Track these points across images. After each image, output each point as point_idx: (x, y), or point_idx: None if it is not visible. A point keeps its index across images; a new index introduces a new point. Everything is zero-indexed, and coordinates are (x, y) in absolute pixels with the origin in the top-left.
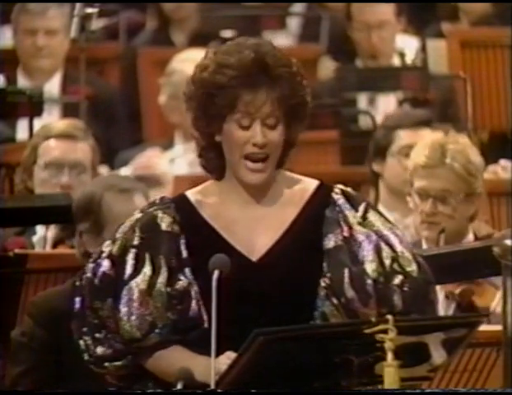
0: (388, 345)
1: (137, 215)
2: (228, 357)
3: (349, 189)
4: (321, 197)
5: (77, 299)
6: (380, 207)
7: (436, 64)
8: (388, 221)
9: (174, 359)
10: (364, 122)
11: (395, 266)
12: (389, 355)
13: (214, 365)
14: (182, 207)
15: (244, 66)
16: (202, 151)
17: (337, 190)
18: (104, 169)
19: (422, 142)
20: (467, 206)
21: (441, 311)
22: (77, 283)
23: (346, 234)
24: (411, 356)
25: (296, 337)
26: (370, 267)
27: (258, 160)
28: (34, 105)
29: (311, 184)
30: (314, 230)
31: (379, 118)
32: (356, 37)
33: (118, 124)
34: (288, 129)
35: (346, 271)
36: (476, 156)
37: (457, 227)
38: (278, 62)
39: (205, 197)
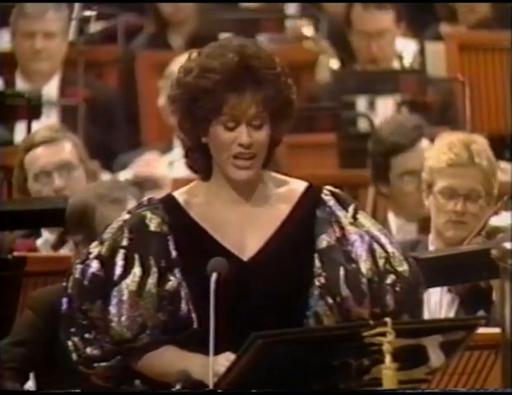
0: (386, 347)
1: (125, 216)
2: (227, 358)
3: (338, 190)
4: (311, 197)
5: (65, 300)
6: (390, 213)
7: (435, 67)
8: (376, 223)
9: (167, 358)
10: (362, 125)
11: (387, 266)
12: (388, 358)
13: (212, 366)
14: (170, 208)
15: (228, 70)
16: (188, 151)
17: (326, 191)
18: (94, 164)
19: (443, 141)
20: (486, 208)
21: (445, 309)
22: (64, 284)
23: (338, 234)
24: (409, 359)
25: (295, 340)
26: (365, 267)
27: (244, 159)
28: (32, 108)
29: (300, 185)
30: (305, 230)
31: (378, 121)
32: (355, 44)
33: (116, 127)
34: (274, 128)
35: (342, 269)
36: (493, 156)
37: (474, 229)
38: (262, 64)
39: (192, 197)
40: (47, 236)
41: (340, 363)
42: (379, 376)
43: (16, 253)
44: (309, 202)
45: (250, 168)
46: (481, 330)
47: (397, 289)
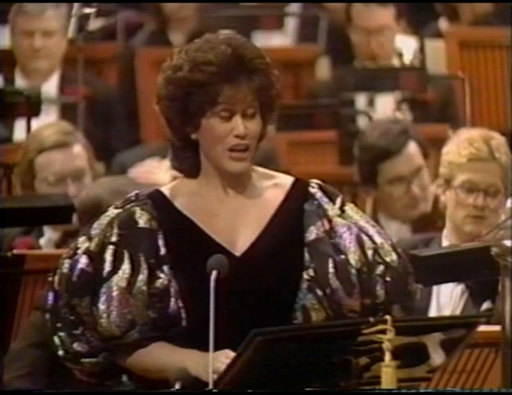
0: (386, 345)
1: (114, 211)
2: (226, 356)
3: (324, 184)
4: (299, 191)
5: (50, 295)
6: (381, 216)
7: (435, 64)
8: (364, 215)
9: (161, 354)
10: (362, 122)
11: (376, 257)
12: (387, 356)
13: (212, 364)
14: (159, 203)
15: (222, 61)
16: (177, 151)
17: (313, 184)
18: (100, 166)
19: (462, 136)
20: (503, 203)
21: (454, 302)
22: (50, 278)
23: (326, 226)
24: (409, 357)
25: (295, 337)
26: (353, 258)
27: (240, 150)
28: (31, 106)
29: (287, 179)
30: (294, 224)
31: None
32: (355, 41)
33: (116, 124)
34: (263, 120)
35: (330, 261)
36: (510, 153)
37: (492, 224)
38: (253, 53)
39: (180, 193)
40: (50, 235)
41: (340, 360)
42: (380, 374)
43: (15, 251)
44: (298, 195)
45: (245, 160)
46: (482, 328)
47: (387, 279)
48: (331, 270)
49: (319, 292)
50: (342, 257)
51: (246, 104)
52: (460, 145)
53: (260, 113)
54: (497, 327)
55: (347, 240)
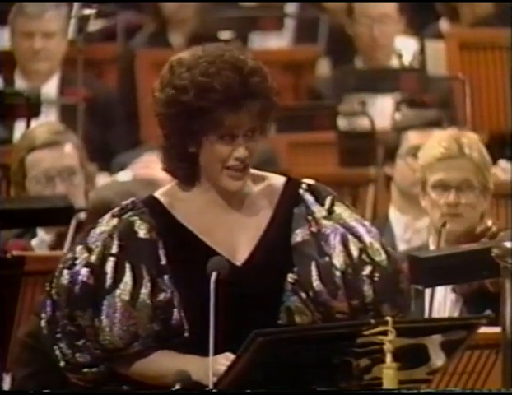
0: (387, 347)
1: (113, 221)
2: (226, 358)
3: (315, 183)
4: (290, 194)
5: (48, 305)
6: (392, 210)
7: (435, 66)
8: (356, 213)
9: (164, 361)
10: (362, 123)
11: (363, 256)
12: (388, 357)
13: (212, 366)
14: (155, 211)
15: (228, 90)
16: (173, 160)
17: (303, 186)
18: (93, 166)
19: (433, 138)
20: (482, 201)
21: (448, 309)
22: (48, 288)
23: (313, 229)
24: (410, 358)
25: (295, 339)
26: (338, 260)
27: (239, 170)
28: (31, 107)
29: (279, 181)
30: (286, 230)
31: (377, 120)
32: (357, 31)
33: (115, 126)
34: (262, 133)
35: (314, 264)
36: (485, 151)
37: (472, 222)
38: (257, 77)
39: (176, 199)
40: (42, 236)
41: (340, 361)
42: (380, 375)
43: (15, 252)
44: (289, 199)
45: (243, 178)
46: (482, 329)
47: (376, 279)
48: (314, 273)
49: (303, 295)
50: (327, 259)
51: (248, 127)
52: (430, 146)
53: (260, 129)
54: (497, 329)
55: (332, 242)
